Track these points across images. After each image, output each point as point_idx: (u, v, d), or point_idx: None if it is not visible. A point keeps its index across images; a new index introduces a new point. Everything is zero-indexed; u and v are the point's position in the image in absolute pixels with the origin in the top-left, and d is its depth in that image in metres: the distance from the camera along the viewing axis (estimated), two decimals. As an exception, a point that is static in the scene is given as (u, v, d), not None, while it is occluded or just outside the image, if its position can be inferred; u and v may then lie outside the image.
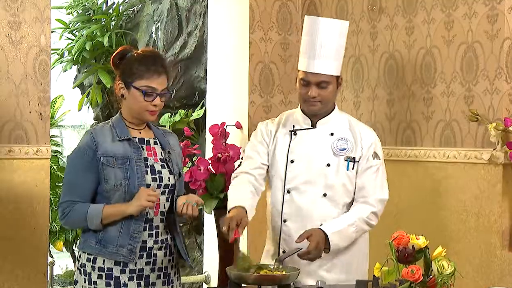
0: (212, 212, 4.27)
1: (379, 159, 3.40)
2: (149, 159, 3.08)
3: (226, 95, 4.99)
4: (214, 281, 4.87)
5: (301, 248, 3.19)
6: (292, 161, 3.39)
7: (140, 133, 3.13)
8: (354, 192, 3.37)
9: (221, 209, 4.23)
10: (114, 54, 3.11)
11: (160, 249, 3.10)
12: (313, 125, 3.41)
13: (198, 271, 5.70)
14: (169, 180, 3.10)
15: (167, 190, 3.11)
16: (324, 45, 3.33)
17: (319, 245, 3.17)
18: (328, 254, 3.28)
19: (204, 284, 5.34)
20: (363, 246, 3.46)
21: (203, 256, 5.58)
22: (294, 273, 2.96)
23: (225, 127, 4.39)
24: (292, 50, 4.87)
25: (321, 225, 3.27)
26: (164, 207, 3.12)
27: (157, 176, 3.08)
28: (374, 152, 3.39)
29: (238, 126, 4.71)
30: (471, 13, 3.98)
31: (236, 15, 4.88)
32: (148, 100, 3.04)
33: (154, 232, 3.08)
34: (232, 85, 4.93)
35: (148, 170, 3.06)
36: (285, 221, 3.36)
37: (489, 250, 3.90)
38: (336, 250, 3.27)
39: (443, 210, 4.10)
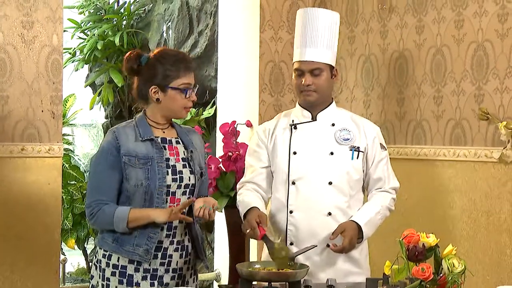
0: (223, 210, 4.28)
1: (385, 149, 3.48)
2: (170, 159, 3.08)
3: (236, 94, 5.00)
4: (225, 279, 4.89)
5: (315, 245, 3.21)
6: (294, 153, 3.39)
7: (163, 132, 3.13)
8: (363, 182, 3.42)
9: (231, 208, 4.25)
10: (129, 60, 3.07)
11: (176, 250, 3.10)
12: (314, 118, 3.44)
13: (208, 269, 5.70)
14: (189, 180, 3.10)
15: (187, 190, 3.10)
16: (315, 33, 3.38)
17: (352, 240, 3.23)
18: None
19: (214, 281, 5.36)
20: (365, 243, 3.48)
21: (213, 254, 5.59)
22: (302, 271, 2.95)
23: (235, 125, 4.40)
24: (303, 49, 4.87)
25: (351, 217, 3.31)
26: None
27: (177, 176, 3.07)
28: (380, 143, 3.46)
29: (249, 124, 4.72)
30: (482, 11, 3.97)
31: (247, 14, 4.89)
32: (188, 97, 3.08)
33: (172, 232, 3.08)
34: (242, 84, 4.94)
35: (169, 170, 3.05)
36: (291, 212, 3.36)
37: (499, 249, 3.89)
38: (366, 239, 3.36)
39: (453, 208, 4.09)
